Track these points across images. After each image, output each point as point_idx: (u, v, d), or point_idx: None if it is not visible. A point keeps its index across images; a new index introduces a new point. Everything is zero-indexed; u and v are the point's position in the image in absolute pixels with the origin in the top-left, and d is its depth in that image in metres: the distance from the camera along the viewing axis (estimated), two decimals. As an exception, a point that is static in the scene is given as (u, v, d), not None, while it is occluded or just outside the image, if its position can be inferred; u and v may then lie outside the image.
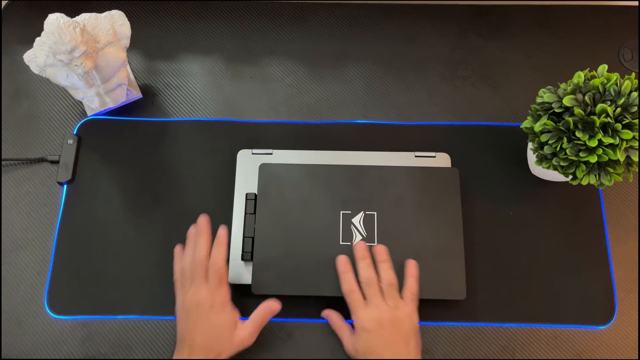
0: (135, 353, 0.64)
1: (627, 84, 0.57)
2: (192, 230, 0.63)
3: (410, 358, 0.57)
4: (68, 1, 0.79)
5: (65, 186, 0.71)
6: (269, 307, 0.60)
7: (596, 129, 0.55)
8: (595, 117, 0.55)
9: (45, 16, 0.58)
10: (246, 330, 0.59)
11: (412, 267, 0.62)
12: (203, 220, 0.62)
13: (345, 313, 0.61)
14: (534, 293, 0.66)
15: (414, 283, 0.61)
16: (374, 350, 0.57)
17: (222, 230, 0.61)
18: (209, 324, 0.57)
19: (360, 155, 0.70)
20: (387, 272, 0.60)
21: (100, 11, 0.64)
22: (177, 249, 0.63)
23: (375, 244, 0.63)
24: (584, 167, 0.58)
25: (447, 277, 0.63)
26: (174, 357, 0.58)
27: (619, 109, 0.56)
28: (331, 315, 0.63)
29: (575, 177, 0.59)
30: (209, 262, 0.59)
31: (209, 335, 0.57)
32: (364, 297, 0.60)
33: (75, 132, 0.73)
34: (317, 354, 0.64)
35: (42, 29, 0.59)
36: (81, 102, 0.74)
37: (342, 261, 0.62)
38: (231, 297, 0.60)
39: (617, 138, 0.55)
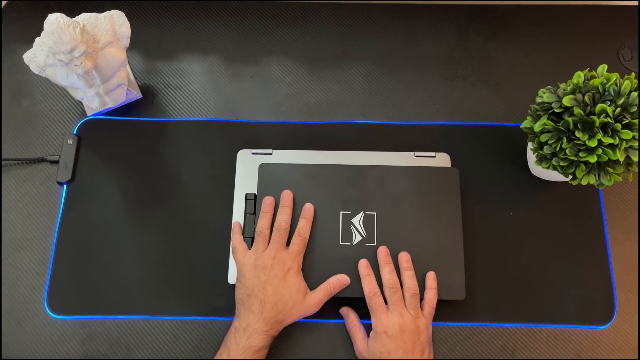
0: (135, 353, 0.64)
1: (626, 84, 0.57)
2: (269, 200, 0.65)
3: None
4: (68, 1, 0.78)
5: (65, 186, 0.71)
6: (340, 279, 0.62)
7: (596, 129, 0.55)
8: (595, 117, 0.55)
9: (45, 16, 0.58)
10: (316, 297, 0.61)
11: (431, 280, 0.62)
12: (288, 194, 0.65)
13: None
14: (534, 293, 0.66)
15: (434, 297, 0.62)
16: (391, 355, 0.57)
17: (309, 205, 0.64)
18: (284, 283, 0.60)
19: (360, 155, 0.70)
20: (411, 280, 0.61)
21: (100, 11, 0.64)
22: (236, 224, 0.66)
23: (375, 244, 0.63)
24: (583, 167, 0.58)
25: (446, 277, 0.63)
26: (239, 312, 0.60)
27: (618, 109, 0.56)
28: (349, 314, 0.64)
29: (575, 177, 0.59)
30: (288, 231, 0.63)
31: (281, 294, 0.59)
32: (385, 302, 0.61)
33: (75, 132, 0.73)
34: (317, 354, 0.64)
35: (42, 29, 0.59)
36: (81, 102, 0.74)
37: (364, 265, 0.63)
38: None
39: (617, 138, 0.55)
